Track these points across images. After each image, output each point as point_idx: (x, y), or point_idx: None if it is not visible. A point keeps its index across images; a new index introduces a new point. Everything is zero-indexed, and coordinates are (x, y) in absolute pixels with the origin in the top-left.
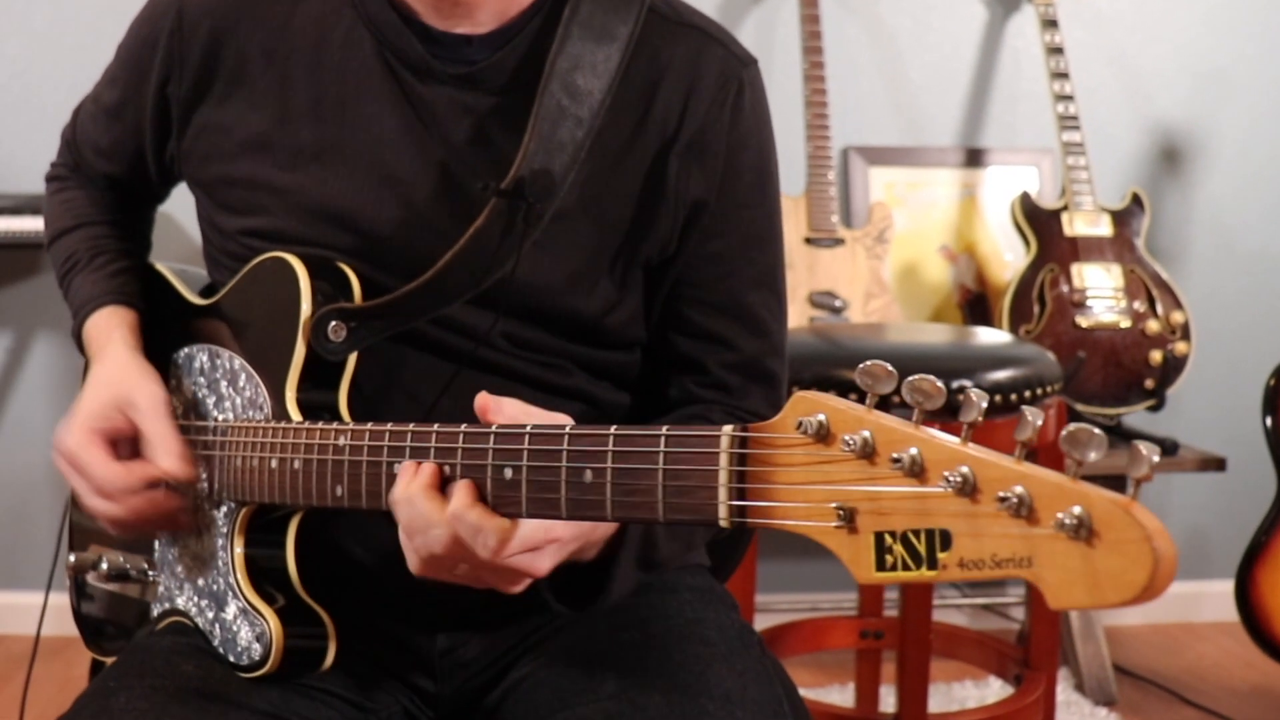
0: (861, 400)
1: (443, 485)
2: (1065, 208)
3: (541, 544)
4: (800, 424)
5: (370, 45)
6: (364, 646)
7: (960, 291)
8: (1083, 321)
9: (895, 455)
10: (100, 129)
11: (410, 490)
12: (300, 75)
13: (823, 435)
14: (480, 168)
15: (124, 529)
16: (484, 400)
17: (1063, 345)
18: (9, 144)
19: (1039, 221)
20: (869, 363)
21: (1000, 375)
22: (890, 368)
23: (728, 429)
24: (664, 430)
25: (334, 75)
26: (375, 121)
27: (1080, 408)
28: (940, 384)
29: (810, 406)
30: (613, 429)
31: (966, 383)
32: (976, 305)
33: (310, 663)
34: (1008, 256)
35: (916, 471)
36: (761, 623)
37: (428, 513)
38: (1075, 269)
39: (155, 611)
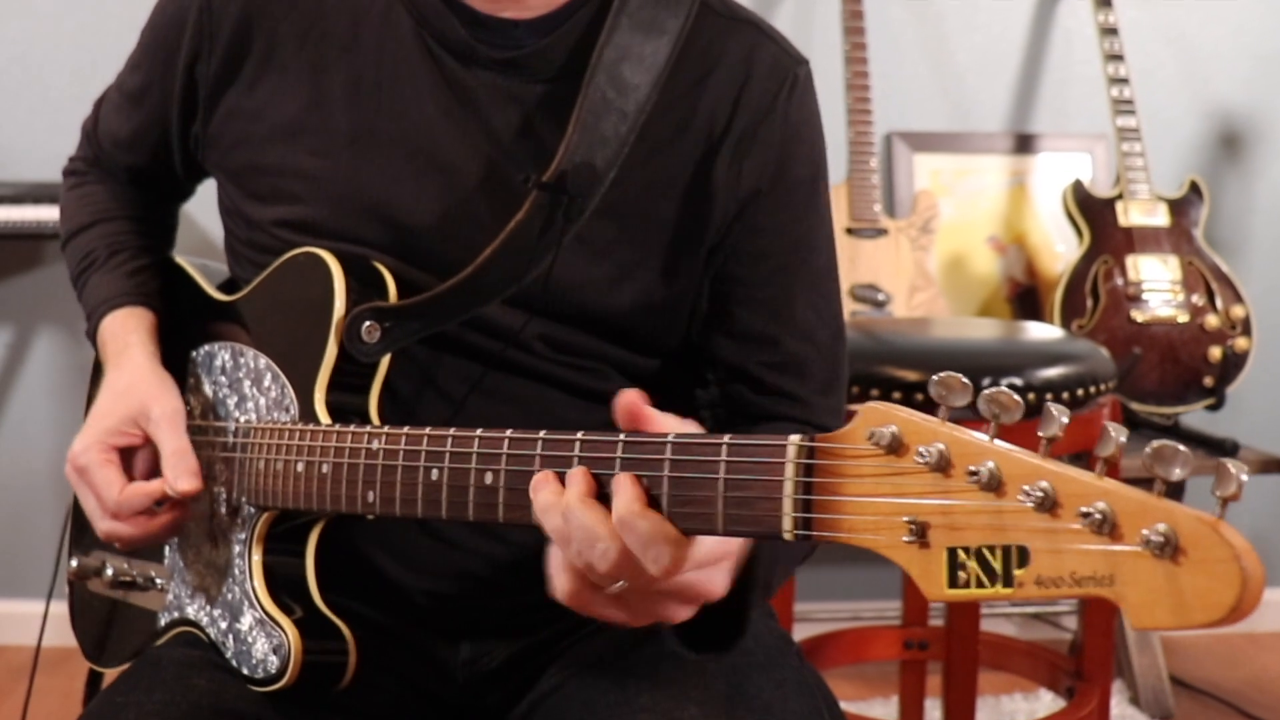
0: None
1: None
2: (1120, 196)
3: (719, 559)
4: (871, 434)
5: (409, 27)
6: (383, 659)
7: (1009, 284)
8: (1138, 316)
9: (972, 469)
10: (122, 117)
11: (568, 500)
12: (335, 58)
13: (895, 447)
14: (523, 159)
15: (130, 545)
16: (635, 399)
17: (1117, 341)
18: (9, 130)
19: (1092, 211)
20: (944, 374)
21: (1052, 373)
22: (965, 380)
23: (794, 438)
24: (726, 439)
25: (371, 58)
26: (414, 107)
27: (1135, 407)
28: (1018, 397)
29: (881, 417)
30: (670, 436)
31: (1016, 380)
32: (1026, 299)
33: (329, 678)
34: (1059, 248)
35: (994, 486)
36: (800, 632)
37: (590, 524)
38: (1130, 261)
39: (162, 621)
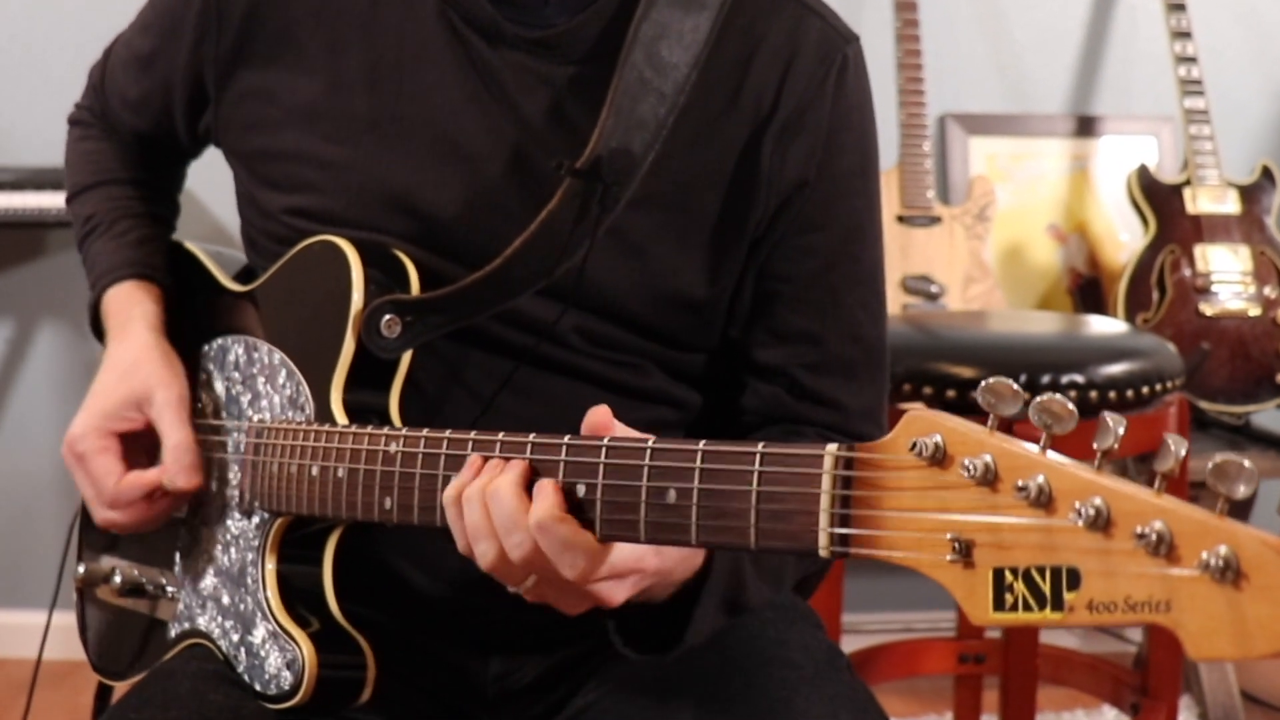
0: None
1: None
2: (1187, 182)
3: (626, 574)
4: (914, 445)
5: (432, 3)
6: (408, 673)
7: (1070, 276)
8: (1207, 309)
9: (1020, 483)
10: (130, 78)
11: (499, 484)
12: (353, 37)
13: (939, 458)
14: (554, 145)
15: (129, 531)
16: (604, 417)
17: (1185, 335)
18: (9, 112)
19: (1158, 198)
20: (992, 380)
21: (1115, 369)
22: (1016, 386)
23: (831, 448)
24: (760, 447)
25: (391, 38)
26: (437, 90)
27: (1204, 405)
28: (1072, 406)
29: (925, 426)
30: (701, 444)
31: (1077, 378)
32: (1089, 291)
33: (346, 695)
34: (1123, 237)
35: (1044, 502)
36: (849, 645)
37: (513, 513)
38: (1199, 251)
39: (173, 632)
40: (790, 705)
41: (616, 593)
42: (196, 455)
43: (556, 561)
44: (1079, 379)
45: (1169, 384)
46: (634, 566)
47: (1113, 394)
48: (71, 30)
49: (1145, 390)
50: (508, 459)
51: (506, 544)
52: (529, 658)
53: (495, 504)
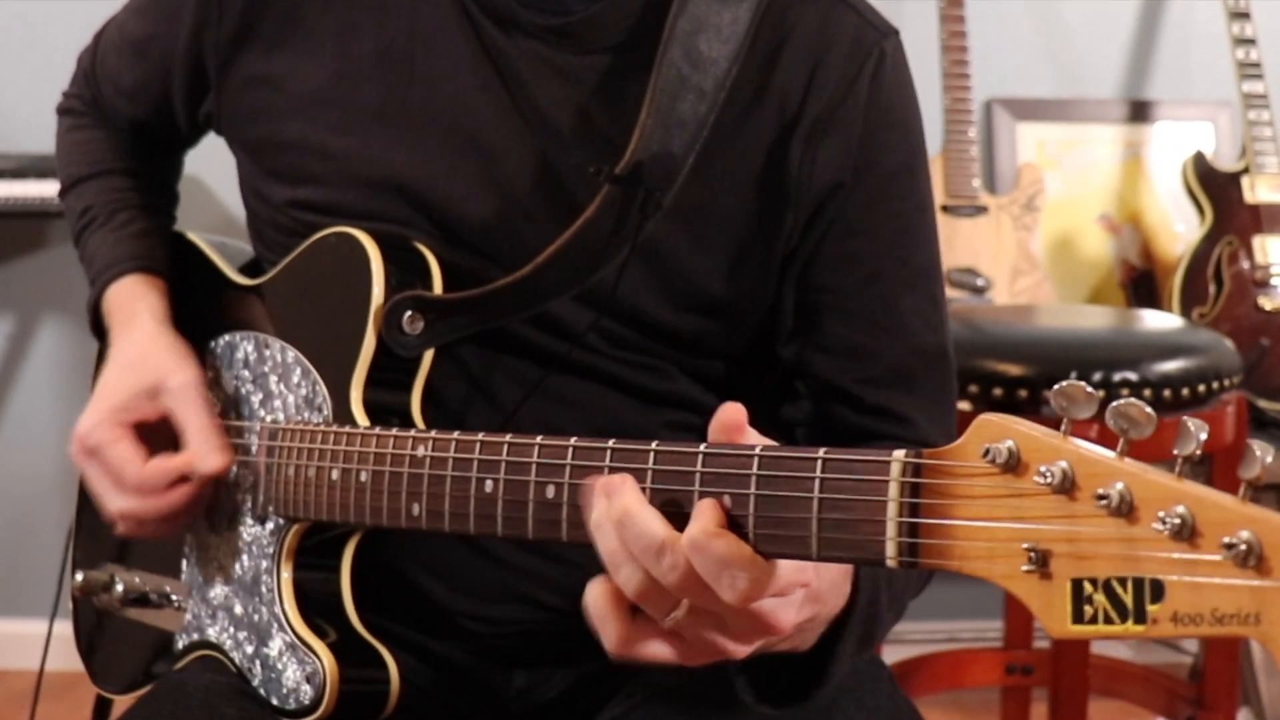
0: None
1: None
2: (1246, 170)
3: (789, 589)
4: (987, 451)
5: None
6: (429, 687)
7: (1123, 268)
8: (1266, 303)
9: (1100, 491)
10: (124, 64)
11: (623, 505)
12: (363, 22)
13: (1012, 465)
14: (572, 140)
15: (141, 529)
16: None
17: (1243, 331)
18: (9, 96)
19: (1215, 186)
20: (1066, 383)
21: (1170, 366)
22: (1090, 389)
23: (899, 454)
24: (821, 453)
25: (403, 22)
26: (449, 78)
27: (1263, 404)
28: (1150, 410)
29: (997, 431)
30: (758, 449)
31: (1130, 375)
32: (1142, 284)
33: (369, 709)
34: (1179, 227)
35: (1125, 511)
36: (891, 655)
37: (655, 531)
38: (1258, 242)
39: (180, 644)
40: (828, 717)
41: (782, 614)
42: (223, 436)
43: (715, 585)
44: (1132, 377)
45: (1226, 382)
46: (797, 580)
47: (1168, 392)
48: (74, 13)
49: (1201, 388)
50: (610, 470)
51: (658, 569)
52: (554, 671)
53: (629, 530)
